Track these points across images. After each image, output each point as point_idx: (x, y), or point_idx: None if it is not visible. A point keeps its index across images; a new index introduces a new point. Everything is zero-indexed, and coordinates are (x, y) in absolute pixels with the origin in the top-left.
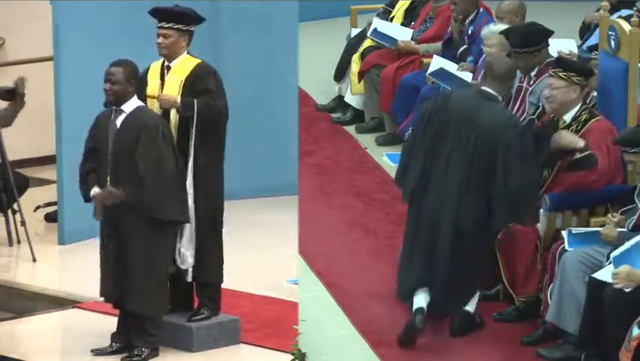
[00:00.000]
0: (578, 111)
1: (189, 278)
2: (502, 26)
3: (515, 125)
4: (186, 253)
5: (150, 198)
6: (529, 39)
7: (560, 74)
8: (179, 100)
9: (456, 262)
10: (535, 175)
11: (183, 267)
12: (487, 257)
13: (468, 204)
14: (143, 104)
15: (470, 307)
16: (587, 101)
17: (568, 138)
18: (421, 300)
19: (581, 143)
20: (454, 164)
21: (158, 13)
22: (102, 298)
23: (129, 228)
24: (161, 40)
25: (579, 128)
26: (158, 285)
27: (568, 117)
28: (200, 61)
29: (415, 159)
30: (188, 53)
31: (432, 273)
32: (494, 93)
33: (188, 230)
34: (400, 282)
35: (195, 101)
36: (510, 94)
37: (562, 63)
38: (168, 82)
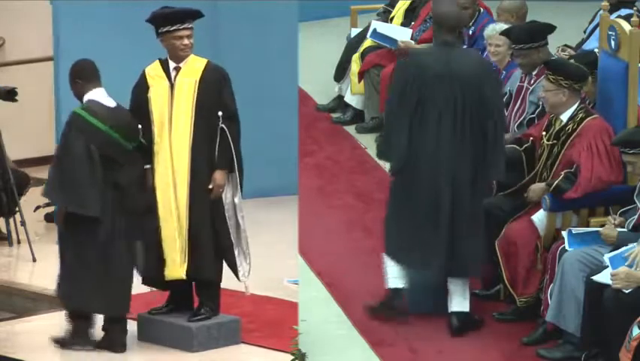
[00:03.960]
0: (574, 111)
1: (249, 292)
2: (505, 26)
3: (489, 69)
4: (244, 265)
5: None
6: (530, 35)
7: (550, 77)
8: (224, 181)
9: (459, 222)
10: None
11: (244, 279)
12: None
13: (465, 159)
14: (95, 99)
15: (465, 307)
16: (587, 102)
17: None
18: (398, 279)
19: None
20: (446, 122)
21: (177, 16)
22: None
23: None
24: (187, 41)
25: (575, 127)
26: (90, 281)
27: (564, 117)
28: (207, 60)
29: (399, 130)
30: None
31: (437, 239)
32: (455, 40)
33: (236, 245)
34: (390, 240)
35: (232, 158)
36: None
37: (551, 66)
38: (179, 84)
